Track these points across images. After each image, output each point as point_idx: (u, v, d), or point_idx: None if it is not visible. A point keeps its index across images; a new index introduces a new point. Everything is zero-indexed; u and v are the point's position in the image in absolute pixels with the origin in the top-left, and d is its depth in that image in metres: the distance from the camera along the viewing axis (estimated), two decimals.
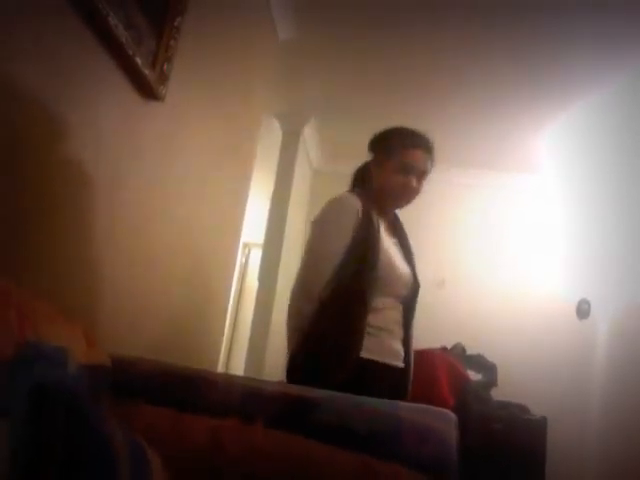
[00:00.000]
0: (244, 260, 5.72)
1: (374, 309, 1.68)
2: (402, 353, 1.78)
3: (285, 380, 1.68)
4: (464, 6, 2.70)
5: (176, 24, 1.65)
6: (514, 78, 3.20)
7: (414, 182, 1.82)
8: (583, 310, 4.07)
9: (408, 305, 1.84)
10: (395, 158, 1.84)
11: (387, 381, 1.68)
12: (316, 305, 1.65)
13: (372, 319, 1.67)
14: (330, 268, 1.68)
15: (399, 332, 1.77)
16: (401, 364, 1.77)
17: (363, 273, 1.67)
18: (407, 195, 1.85)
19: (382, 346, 1.69)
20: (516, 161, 4.17)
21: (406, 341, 1.81)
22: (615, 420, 3.50)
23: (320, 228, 1.78)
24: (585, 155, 3.93)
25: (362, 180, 1.91)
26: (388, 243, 1.80)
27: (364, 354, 1.63)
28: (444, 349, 3.62)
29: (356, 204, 1.74)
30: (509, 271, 4.21)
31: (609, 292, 3.94)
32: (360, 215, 1.72)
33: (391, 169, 1.84)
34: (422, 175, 1.84)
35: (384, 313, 1.72)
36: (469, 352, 3.73)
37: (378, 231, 1.74)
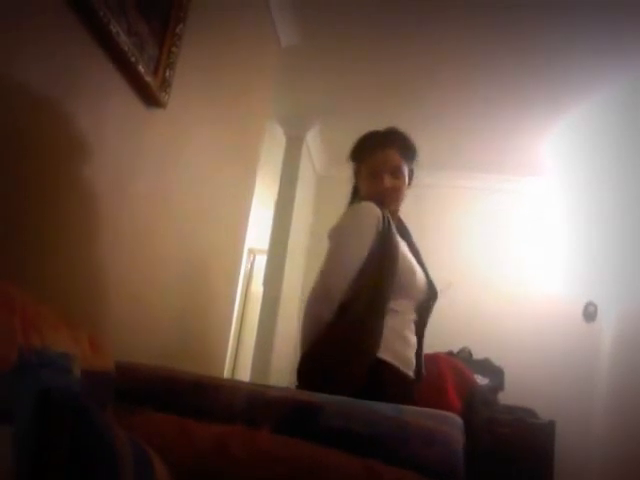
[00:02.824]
0: (249, 266, 5.72)
1: (390, 310, 1.67)
2: (414, 362, 1.75)
3: (291, 384, 1.68)
4: (466, 9, 2.71)
5: (178, 31, 1.66)
6: (517, 80, 3.19)
7: (387, 181, 1.81)
8: (590, 313, 4.04)
9: (423, 312, 1.83)
10: (364, 164, 1.87)
11: (398, 386, 1.66)
12: (335, 309, 1.65)
13: (387, 321, 1.66)
14: (351, 274, 1.68)
15: (411, 338, 1.76)
16: (412, 374, 1.74)
17: (384, 278, 1.67)
18: (386, 196, 1.81)
19: (395, 350, 1.67)
20: (520, 164, 4.15)
21: (418, 350, 1.80)
22: (623, 424, 3.47)
23: (342, 235, 1.76)
24: (589, 157, 3.92)
25: (355, 192, 1.93)
26: (404, 248, 1.81)
27: (380, 354, 1.62)
28: (450, 353, 3.61)
29: (377, 211, 1.74)
30: (515, 274, 4.19)
31: (616, 295, 3.91)
32: (381, 221, 1.73)
33: (365, 175, 1.87)
34: (396, 171, 1.82)
35: (398, 316, 1.71)
36: (476, 356, 3.72)
37: (395, 237, 1.75)
